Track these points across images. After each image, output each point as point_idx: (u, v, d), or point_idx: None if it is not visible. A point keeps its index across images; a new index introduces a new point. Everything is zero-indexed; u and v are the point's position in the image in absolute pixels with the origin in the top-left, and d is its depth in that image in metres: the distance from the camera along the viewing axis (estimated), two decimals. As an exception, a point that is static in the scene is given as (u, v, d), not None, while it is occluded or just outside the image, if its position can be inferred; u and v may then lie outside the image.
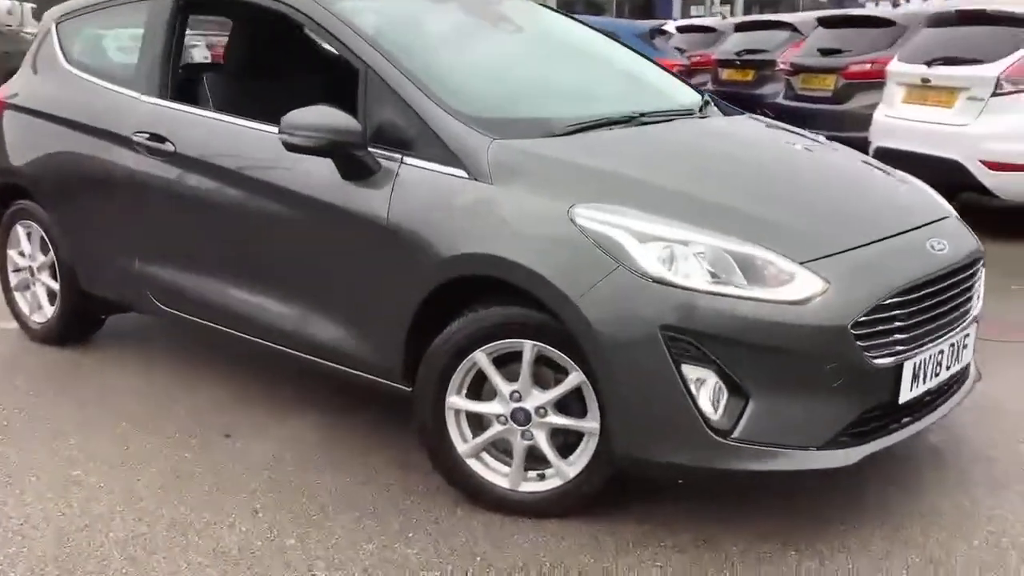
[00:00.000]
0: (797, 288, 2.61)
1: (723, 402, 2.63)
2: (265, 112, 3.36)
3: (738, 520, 2.90)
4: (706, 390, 2.61)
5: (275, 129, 3.10)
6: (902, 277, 2.75)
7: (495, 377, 2.88)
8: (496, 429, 2.93)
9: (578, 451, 2.90)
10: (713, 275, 2.61)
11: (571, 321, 2.66)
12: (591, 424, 2.83)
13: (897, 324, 2.73)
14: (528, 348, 2.82)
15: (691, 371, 2.61)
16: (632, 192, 2.83)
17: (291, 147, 3.06)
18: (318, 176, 3.14)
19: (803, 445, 2.65)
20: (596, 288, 2.63)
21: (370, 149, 3.06)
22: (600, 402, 2.75)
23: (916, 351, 2.78)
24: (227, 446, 3.41)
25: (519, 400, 2.87)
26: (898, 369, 2.73)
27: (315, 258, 3.25)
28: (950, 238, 3.04)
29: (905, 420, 2.86)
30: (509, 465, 2.97)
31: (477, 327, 2.85)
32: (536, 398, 2.86)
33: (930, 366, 2.85)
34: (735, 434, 2.62)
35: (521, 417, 2.88)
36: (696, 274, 2.60)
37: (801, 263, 2.65)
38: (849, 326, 2.61)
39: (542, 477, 2.96)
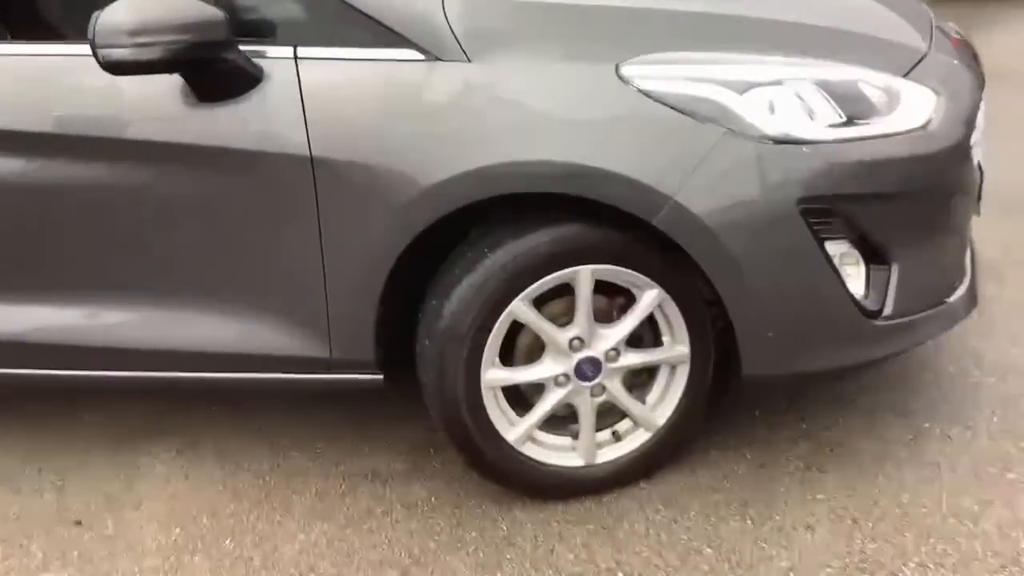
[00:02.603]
0: (915, 108, 2.06)
1: (868, 277, 2.06)
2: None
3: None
4: (850, 267, 2.03)
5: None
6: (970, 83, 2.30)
7: (546, 327, 2.10)
8: (557, 395, 2.15)
9: (656, 392, 2.23)
10: (850, 116, 1.99)
11: (669, 224, 1.93)
12: (678, 351, 2.15)
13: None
14: (585, 276, 2.05)
15: (834, 247, 2.01)
16: (675, 27, 2.10)
17: (114, 66, 1.94)
18: (169, 108, 2.06)
19: (938, 301, 2.17)
20: (699, 170, 1.92)
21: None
22: (692, 321, 2.10)
23: None
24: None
25: (580, 347, 2.11)
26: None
27: (201, 236, 2.17)
28: None
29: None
30: (575, 436, 2.22)
31: (515, 267, 2.02)
32: (605, 338, 2.13)
33: None
34: (886, 311, 2.08)
35: (588, 370, 2.13)
36: (810, 120, 1.97)
37: (904, 76, 2.09)
38: (967, 140, 2.13)
39: (617, 437, 2.25)
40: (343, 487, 2.36)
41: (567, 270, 2.04)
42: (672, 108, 1.92)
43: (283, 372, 2.26)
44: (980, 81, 2.29)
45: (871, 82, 2.05)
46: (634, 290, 2.11)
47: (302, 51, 2.02)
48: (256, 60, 2.01)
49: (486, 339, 2.06)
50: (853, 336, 2.09)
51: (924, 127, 2.04)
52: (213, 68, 1.99)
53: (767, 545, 2.05)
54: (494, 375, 2.11)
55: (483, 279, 2.02)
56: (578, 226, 2.02)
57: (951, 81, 2.17)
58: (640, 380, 2.24)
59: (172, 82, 2.01)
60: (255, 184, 2.06)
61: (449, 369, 2.07)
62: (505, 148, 1.95)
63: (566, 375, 2.13)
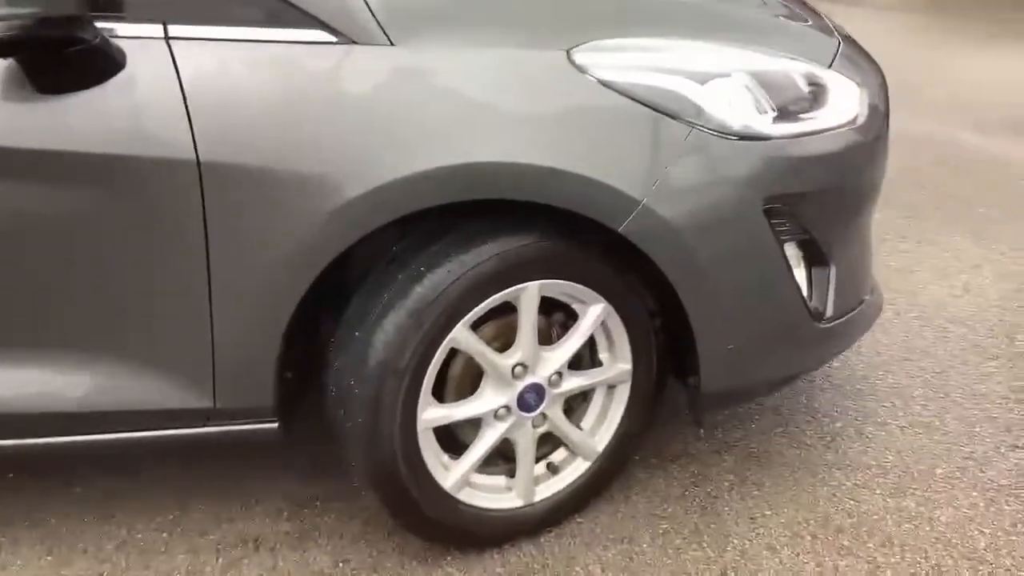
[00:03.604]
0: (845, 101, 1.96)
1: (810, 278, 1.95)
2: None
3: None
4: (795, 269, 1.90)
5: None
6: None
7: (488, 353, 1.80)
8: (497, 430, 1.86)
9: (592, 416, 2.01)
10: (783, 110, 1.84)
11: (636, 231, 1.71)
12: (619, 369, 1.94)
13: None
14: (532, 294, 1.78)
15: (789, 250, 1.87)
16: (619, 11, 1.84)
17: None
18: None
19: (860, 300, 2.11)
20: (669, 171, 1.70)
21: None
22: (636, 335, 1.89)
23: None
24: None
25: (523, 374, 1.84)
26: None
27: (41, 267, 1.66)
28: None
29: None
30: (510, 474, 1.95)
31: (459, 288, 1.70)
32: (548, 361, 1.87)
33: None
34: (827, 313, 1.98)
35: (532, 398, 1.87)
36: (765, 114, 1.81)
37: (829, 67, 2.00)
38: (886, 132, 2.08)
39: (554, 469, 2.01)
40: (220, 562, 1.94)
41: (513, 287, 1.76)
42: (636, 101, 1.70)
43: (143, 428, 1.82)
44: (882, 74, 2.26)
45: (802, 73, 1.94)
46: (576, 306, 1.88)
47: (175, 29, 1.59)
48: (111, 40, 1.57)
49: (424, 373, 1.75)
50: (803, 341, 1.97)
51: (854, 120, 1.96)
52: (61, 51, 1.53)
53: (737, 572, 1.90)
54: (432, 414, 1.79)
55: (422, 303, 1.70)
56: (530, 236, 1.75)
57: (864, 73, 2.12)
58: (574, 404, 2.02)
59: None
60: (117, 197, 1.59)
61: (385, 410, 1.73)
62: (447, 149, 1.62)
63: (507, 407, 1.86)
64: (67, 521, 2.01)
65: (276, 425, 1.82)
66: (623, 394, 1.98)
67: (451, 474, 1.86)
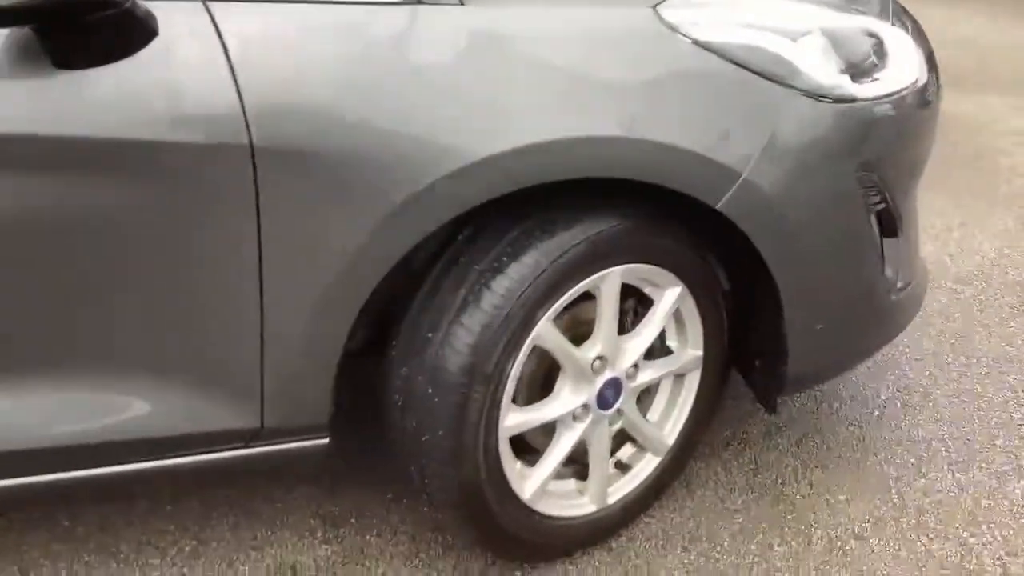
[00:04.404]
0: (911, 61, 1.84)
1: (882, 249, 1.83)
2: None
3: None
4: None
5: None
6: None
7: (569, 348, 1.62)
8: (575, 431, 1.68)
9: (659, 408, 1.85)
10: (862, 71, 1.70)
11: (735, 207, 1.55)
12: (691, 355, 1.79)
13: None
14: (614, 280, 1.61)
15: (874, 220, 1.74)
16: None
17: None
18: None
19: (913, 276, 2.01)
20: (770, 140, 1.54)
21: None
22: (708, 319, 1.75)
23: None
24: None
25: (602, 368, 1.67)
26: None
27: (59, 279, 1.36)
28: None
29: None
30: (579, 477, 1.78)
31: (548, 278, 1.50)
32: (628, 352, 1.70)
33: None
34: (899, 283, 1.87)
35: (610, 394, 1.70)
36: (844, 74, 1.67)
37: (892, 24, 1.87)
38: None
39: (623, 467, 1.84)
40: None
41: (597, 274, 1.59)
42: (732, 63, 1.54)
43: (175, 454, 1.58)
44: (921, 29, 2.16)
45: (867, 29, 1.81)
46: (648, 290, 1.72)
47: None
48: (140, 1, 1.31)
49: (508, 376, 1.56)
50: (883, 315, 1.86)
51: (917, 82, 1.85)
52: (83, 18, 1.26)
53: (831, 566, 1.79)
54: (513, 420, 1.60)
55: (509, 297, 1.49)
56: (614, 218, 1.57)
57: (910, 27, 2.01)
58: (640, 397, 1.85)
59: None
60: (153, 192, 1.33)
61: (470, 420, 1.53)
62: (540, 124, 1.42)
63: (585, 405, 1.69)
64: (60, 562, 1.75)
65: (326, 441, 1.61)
66: (692, 383, 1.83)
67: (528, 484, 1.67)
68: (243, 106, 1.32)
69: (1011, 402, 2.26)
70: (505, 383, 1.55)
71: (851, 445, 2.10)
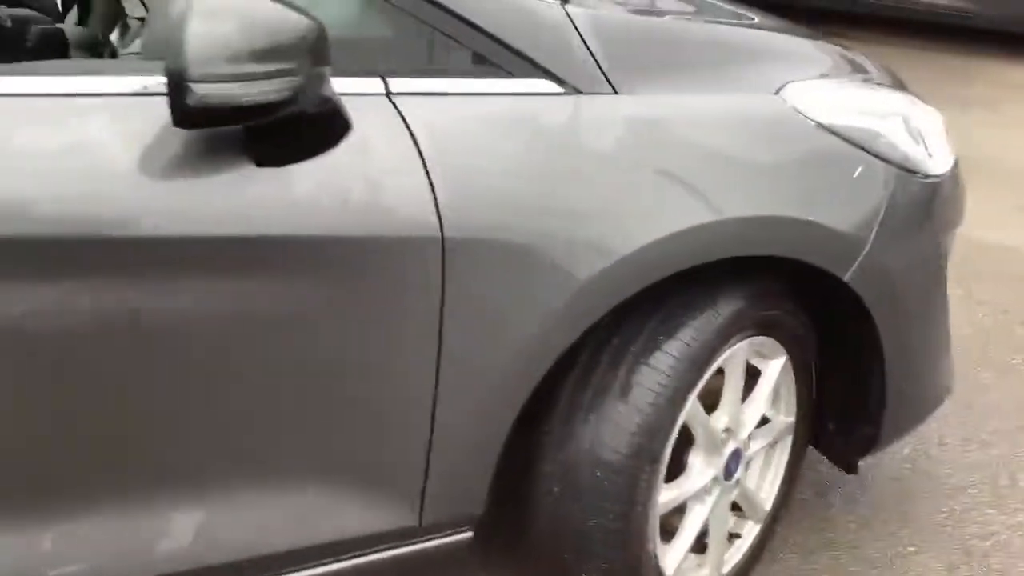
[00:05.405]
0: (940, 135, 1.96)
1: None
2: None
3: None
4: None
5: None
6: None
7: (708, 422, 1.66)
8: (707, 504, 1.72)
9: (753, 475, 1.89)
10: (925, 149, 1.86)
11: (859, 279, 1.64)
12: (784, 422, 1.86)
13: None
14: (743, 352, 1.67)
15: (944, 289, 1.89)
16: (787, 50, 1.80)
17: (202, 112, 1.11)
18: (196, 182, 1.21)
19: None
20: (886, 216, 1.65)
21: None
22: (802, 386, 1.83)
23: None
24: None
25: (727, 439, 1.71)
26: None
27: (230, 385, 1.28)
28: None
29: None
30: (696, 551, 1.79)
31: (697, 355, 1.54)
32: (747, 421, 1.75)
33: None
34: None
35: (733, 465, 1.74)
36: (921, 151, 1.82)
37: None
38: None
39: (732, 538, 1.87)
40: None
41: (734, 348, 1.64)
42: (850, 143, 1.65)
43: (325, 561, 1.49)
44: None
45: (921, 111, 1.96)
46: (756, 361, 1.78)
47: (395, 83, 1.34)
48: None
49: (666, 453, 1.57)
50: (949, 371, 2.00)
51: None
52: (301, 113, 1.22)
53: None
54: (665, 497, 1.62)
55: (672, 376, 1.53)
56: (745, 293, 1.63)
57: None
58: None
59: (187, 140, 1.19)
60: (342, 289, 1.30)
61: (639, 501, 1.53)
62: (700, 205, 1.48)
63: (716, 478, 1.72)
64: None
65: (470, 535, 1.57)
66: (784, 448, 1.90)
67: (670, 561, 1.68)
68: (435, 198, 1.31)
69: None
70: (664, 461, 1.57)
71: (897, 496, 2.22)
